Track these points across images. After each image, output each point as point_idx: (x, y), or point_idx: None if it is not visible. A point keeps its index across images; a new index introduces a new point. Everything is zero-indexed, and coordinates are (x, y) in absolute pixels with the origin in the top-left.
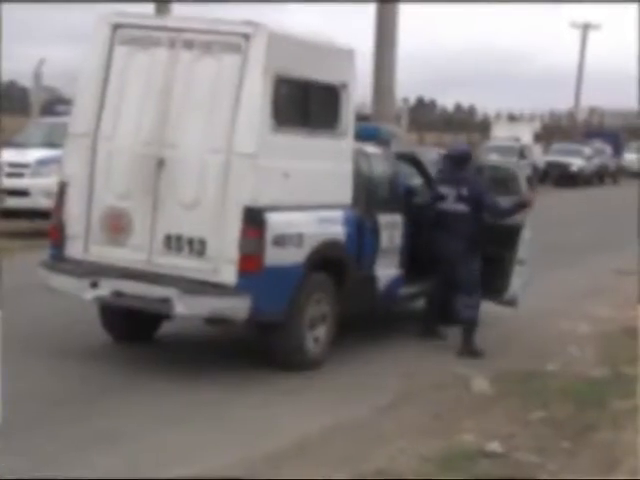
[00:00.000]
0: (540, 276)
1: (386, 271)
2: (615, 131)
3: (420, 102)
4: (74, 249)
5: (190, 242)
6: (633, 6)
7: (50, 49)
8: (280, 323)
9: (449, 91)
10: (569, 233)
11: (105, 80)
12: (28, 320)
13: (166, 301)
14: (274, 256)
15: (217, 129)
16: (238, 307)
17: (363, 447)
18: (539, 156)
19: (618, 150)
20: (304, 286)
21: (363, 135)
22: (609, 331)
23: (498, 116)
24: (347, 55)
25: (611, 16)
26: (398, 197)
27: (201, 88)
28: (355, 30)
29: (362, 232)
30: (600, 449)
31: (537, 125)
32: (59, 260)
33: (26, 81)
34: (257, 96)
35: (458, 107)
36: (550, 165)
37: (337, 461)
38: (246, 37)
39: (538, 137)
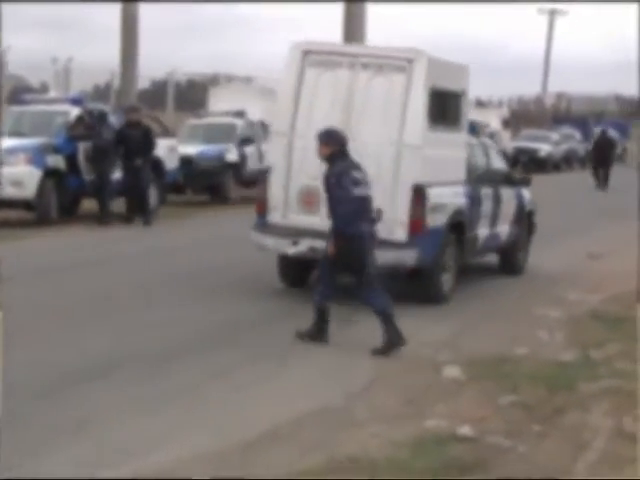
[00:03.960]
0: None
1: (483, 231)
2: (583, 116)
3: None
4: (276, 217)
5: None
6: None
7: (15, 38)
8: (430, 268)
9: None
10: (539, 217)
11: (298, 93)
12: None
13: None
14: (431, 220)
15: (390, 128)
16: (409, 257)
17: (336, 433)
18: (508, 142)
19: (587, 136)
20: (445, 242)
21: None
22: (579, 315)
23: None
24: (465, 69)
25: (578, 2)
26: (491, 175)
27: (376, 99)
28: (323, 24)
29: (473, 202)
30: (569, 431)
31: (505, 111)
32: (264, 226)
33: None
34: (420, 105)
35: None
36: (519, 151)
37: (310, 447)
38: (410, 61)
39: (506, 123)
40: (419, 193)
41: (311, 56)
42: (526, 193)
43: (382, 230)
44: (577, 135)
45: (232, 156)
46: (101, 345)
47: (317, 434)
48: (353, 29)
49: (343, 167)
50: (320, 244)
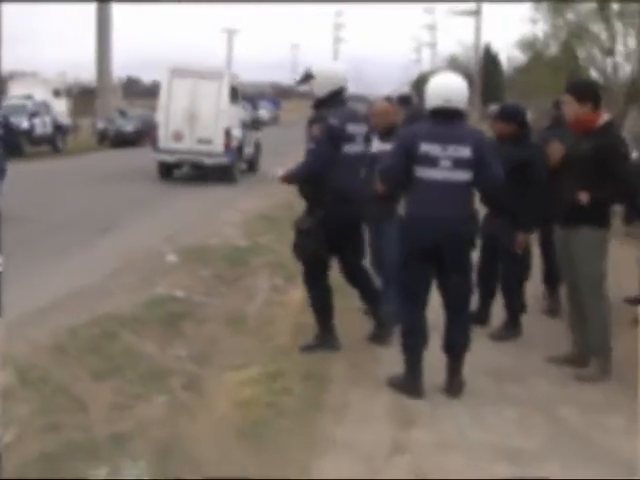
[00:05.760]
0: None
1: (246, 150)
2: (252, 96)
3: (129, 79)
4: (161, 145)
5: (206, 140)
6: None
7: None
8: (232, 167)
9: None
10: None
11: (170, 90)
12: None
13: (201, 160)
14: (233, 143)
15: (214, 104)
16: (224, 160)
17: (97, 301)
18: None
19: (255, 107)
20: (237, 154)
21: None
22: (251, 217)
23: None
24: (238, 76)
25: (252, 18)
26: (247, 123)
27: (206, 93)
28: (76, 26)
29: (244, 136)
30: (245, 290)
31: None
32: (157, 150)
33: None
34: (226, 93)
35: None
36: None
37: (81, 310)
38: (221, 74)
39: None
40: (228, 131)
41: (175, 72)
42: (258, 133)
43: (212, 148)
44: (249, 107)
45: (24, 124)
46: None
47: (84, 302)
48: (103, 32)
49: None
50: (185, 156)
